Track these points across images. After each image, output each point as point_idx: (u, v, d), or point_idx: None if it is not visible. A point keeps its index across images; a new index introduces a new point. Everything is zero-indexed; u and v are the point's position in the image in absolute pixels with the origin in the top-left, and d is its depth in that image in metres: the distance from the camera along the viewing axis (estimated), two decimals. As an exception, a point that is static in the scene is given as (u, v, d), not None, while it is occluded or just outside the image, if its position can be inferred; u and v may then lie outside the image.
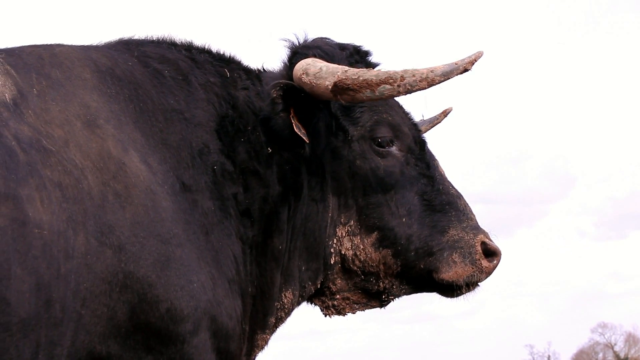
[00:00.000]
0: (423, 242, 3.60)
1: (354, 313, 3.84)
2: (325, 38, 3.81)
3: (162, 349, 2.96)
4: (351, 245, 3.62)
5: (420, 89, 3.28)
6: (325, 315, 3.83)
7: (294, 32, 3.79)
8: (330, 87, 3.38)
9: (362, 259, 3.63)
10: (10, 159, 2.69)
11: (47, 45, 3.30)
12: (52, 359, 2.69)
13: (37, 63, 3.11)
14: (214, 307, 3.12)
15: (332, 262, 3.64)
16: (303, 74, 3.48)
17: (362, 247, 3.62)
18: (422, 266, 3.61)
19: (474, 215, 3.73)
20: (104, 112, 3.10)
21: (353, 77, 3.35)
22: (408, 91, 3.29)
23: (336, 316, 3.84)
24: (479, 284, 3.65)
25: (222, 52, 3.82)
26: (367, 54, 3.85)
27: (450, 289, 3.65)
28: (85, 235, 2.77)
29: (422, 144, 3.81)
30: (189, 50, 3.71)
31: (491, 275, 3.63)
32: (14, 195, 2.63)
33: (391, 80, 3.30)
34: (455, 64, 3.24)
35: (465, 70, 3.24)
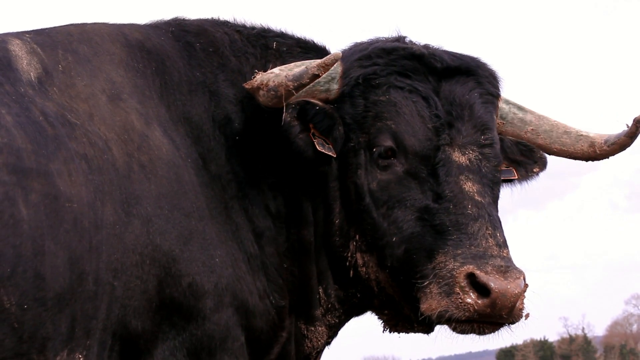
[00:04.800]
0: (409, 266, 3.13)
1: (407, 333, 3.46)
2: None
3: (185, 325, 2.94)
4: (363, 262, 3.28)
5: (285, 96, 3.08)
6: (384, 331, 3.50)
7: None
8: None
9: (373, 277, 3.28)
10: (40, 135, 2.73)
11: (80, 23, 3.32)
12: (89, 332, 2.72)
13: (65, 40, 3.13)
14: (235, 282, 3.07)
15: (351, 275, 3.31)
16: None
17: (371, 264, 3.26)
18: (413, 294, 3.12)
19: (494, 241, 3.07)
20: (129, 86, 3.10)
21: (260, 79, 3.18)
22: (275, 97, 3.10)
23: (396, 333, 3.49)
24: (471, 321, 3.04)
25: (284, 31, 3.55)
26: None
27: (428, 323, 3.16)
28: (112, 205, 2.80)
29: (437, 156, 3.20)
30: (243, 26, 3.53)
31: (482, 315, 3.01)
32: (45, 170, 2.67)
33: (262, 85, 3.14)
34: (306, 67, 3.03)
35: (315, 76, 3.01)
